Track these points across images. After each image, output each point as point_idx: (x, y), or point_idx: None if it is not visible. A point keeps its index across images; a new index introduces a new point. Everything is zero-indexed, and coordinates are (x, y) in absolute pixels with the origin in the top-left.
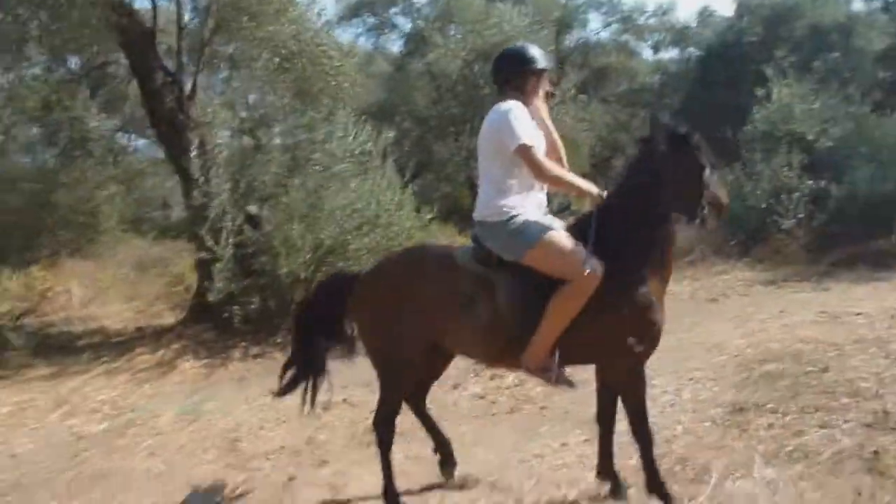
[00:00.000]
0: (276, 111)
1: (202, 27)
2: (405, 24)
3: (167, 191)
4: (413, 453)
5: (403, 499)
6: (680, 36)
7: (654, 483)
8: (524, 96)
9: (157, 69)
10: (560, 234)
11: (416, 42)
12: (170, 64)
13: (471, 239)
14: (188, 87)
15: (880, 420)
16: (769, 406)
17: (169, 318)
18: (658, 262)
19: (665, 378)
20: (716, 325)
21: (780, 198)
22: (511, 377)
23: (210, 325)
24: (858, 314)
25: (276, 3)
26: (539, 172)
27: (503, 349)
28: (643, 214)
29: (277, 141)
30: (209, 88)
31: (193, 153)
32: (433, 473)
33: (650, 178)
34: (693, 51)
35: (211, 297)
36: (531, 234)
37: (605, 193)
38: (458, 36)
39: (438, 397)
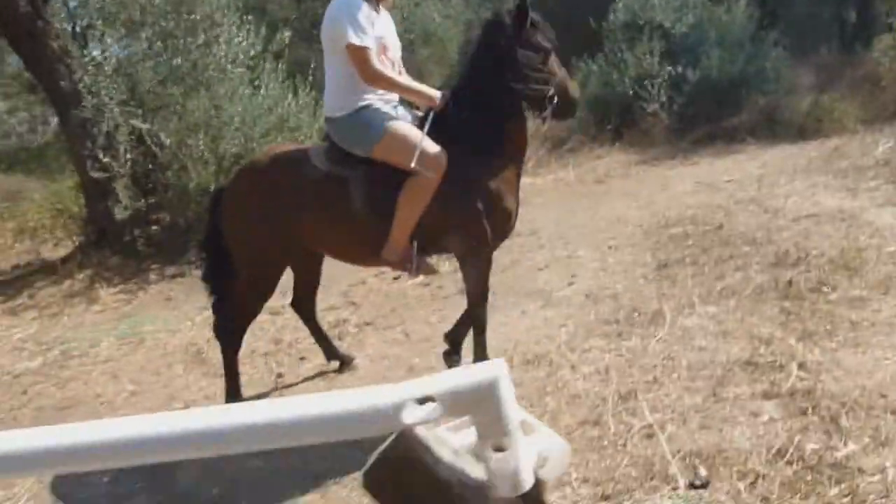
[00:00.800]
0: (144, 13)
1: None
2: None
3: None
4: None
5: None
6: None
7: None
8: None
9: None
10: (404, 125)
11: None
12: None
13: (323, 137)
14: None
15: (781, 259)
16: (687, 261)
17: (47, 251)
18: (510, 150)
19: (586, 250)
20: (611, 202)
21: (644, 84)
22: (447, 264)
23: (111, 252)
24: (728, 181)
25: None
26: (366, 74)
27: (365, 246)
28: (488, 101)
29: (151, 46)
30: None
31: (87, 61)
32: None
33: (493, 63)
34: None
35: (118, 216)
36: (376, 127)
37: (442, 94)
38: None
39: (384, 290)
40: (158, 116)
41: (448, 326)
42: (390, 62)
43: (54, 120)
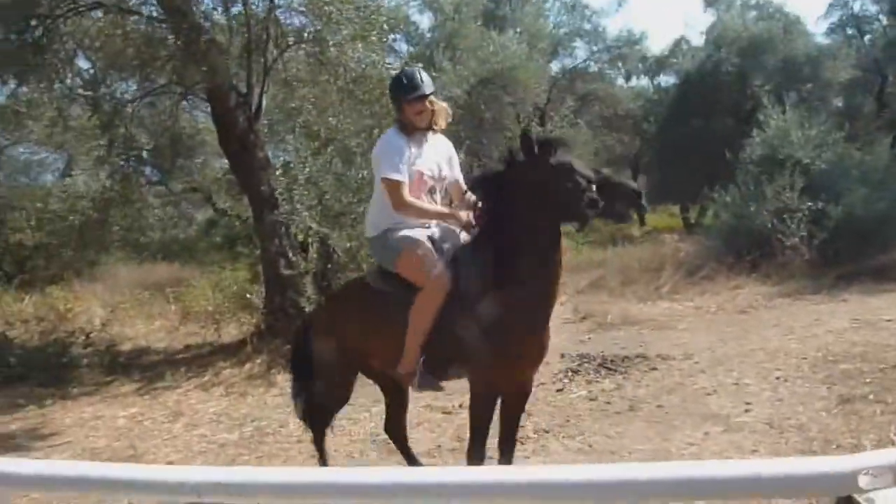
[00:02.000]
0: (335, 132)
1: (266, 47)
2: (403, 48)
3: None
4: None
5: None
6: (657, 65)
7: None
8: (406, 122)
9: (230, 90)
10: (417, 243)
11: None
12: (240, 85)
13: None
14: (254, 107)
15: None
16: (871, 397)
17: (210, 335)
18: (540, 279)
19: (753, 378)
20: (762, 332)
21: (783, 217)
22: (607, 381)
23: (283, 340)
24: (889, 320)
25: (355, 27)
26: (395, 205)
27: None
28: (517, 228)
29: (332, 161)
30: (274, 109)
31: (278, 172)
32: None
33: (517, 196)
34: (664, 79)
35: (305, 307)
36: (395, 246)
37: (471, 215)
38: (461, 63)
39: (550, 400)
40: (339, 222)
41: (628, 441)
42: (428, 188)
43: (198, 217)
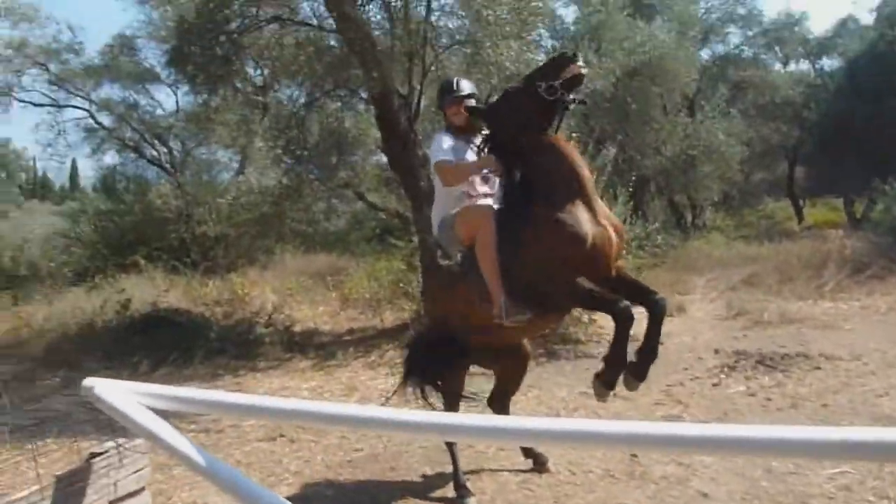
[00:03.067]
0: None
1: (425, 51)
2: (547, 43)
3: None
4: None
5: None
6: (819, 48)
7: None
8: (449, 124)
9: (393, 93)
10: (466, 206)
11: None
12: (401, 88)
13: None
14: (413, 108)
15: None
16: None
17: (374, 320)
18: (568, 183)
19: None
20: None
21: None
22: (766, 377)
23: None
24: None
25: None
26: (447, 179)
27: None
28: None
29: None
30: (430, 108)
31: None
32: None
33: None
34: (827, 62)
35: None
36: (452, 219)
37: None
38: (607, 55)
39: (707, 394)
40: None
41: None
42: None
43: (352, 210)
